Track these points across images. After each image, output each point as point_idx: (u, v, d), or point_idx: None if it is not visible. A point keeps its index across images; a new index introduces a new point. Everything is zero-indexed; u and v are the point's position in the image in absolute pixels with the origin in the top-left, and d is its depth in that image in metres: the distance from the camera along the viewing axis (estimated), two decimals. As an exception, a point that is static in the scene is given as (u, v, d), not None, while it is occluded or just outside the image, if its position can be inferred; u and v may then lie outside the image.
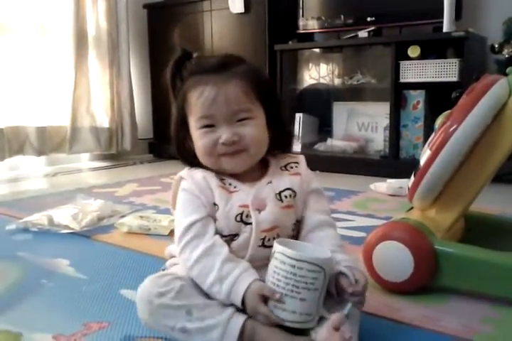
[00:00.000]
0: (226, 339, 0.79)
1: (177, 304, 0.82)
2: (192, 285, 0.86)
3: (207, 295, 0.85)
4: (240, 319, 0.80)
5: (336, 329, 0.75)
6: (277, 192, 0.91)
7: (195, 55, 0.95)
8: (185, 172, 0.95)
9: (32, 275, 1.25)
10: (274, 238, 0.89)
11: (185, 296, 0.83)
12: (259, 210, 0.89)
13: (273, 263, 0.81)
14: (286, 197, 0.92)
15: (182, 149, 0.95)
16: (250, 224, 0.88)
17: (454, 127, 1.10)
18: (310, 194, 0.95)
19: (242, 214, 0.88)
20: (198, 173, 0.92)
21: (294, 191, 0.93)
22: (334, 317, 0.77)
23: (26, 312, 1.04)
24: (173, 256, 0.99)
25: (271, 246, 0.86)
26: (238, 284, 0.81)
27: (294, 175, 0.95)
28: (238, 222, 0.88)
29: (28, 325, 0.98)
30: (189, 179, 0.92)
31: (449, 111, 1.19)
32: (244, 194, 0.90)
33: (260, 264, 0.88)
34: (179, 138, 0.95)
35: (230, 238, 0.89)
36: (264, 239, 0.89)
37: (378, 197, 2.12)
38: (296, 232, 0.94)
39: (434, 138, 1.14)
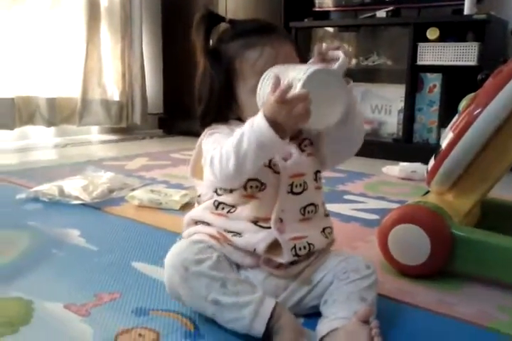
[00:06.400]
0: (257, 318, 0.78)
1: (214, 274, 0.81)
2: (225, 259, 0.86)
3: (235, 270, 0.86)
4: (271, 301, 0.80)
5: (365, 322, 0.74)
6: (298, 143, 0.92)
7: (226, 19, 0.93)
8: (211, 127, 0.92)
9: (43, 245, 1.24)
10: (301, 185, 0.89)
11: (221, 268, 0.82)
12: (285, 159, 0.89)
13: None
14: (306, 146, 0.93)
15: (219, 116, 0.92)
16: (278, 173, 0.88)
17: (478, 110, 1.07)
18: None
19: (270, 161, 0.87)
20: (224, 126, 0.92)
21: (310, 140, 0.93)
22: (362, 311, 0.76)
23: (38, 281, 1.04)
24: (190, 225, 0.96)
25: (299, 193, 0.89)
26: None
27: None
28: (266, 166, 0.87)
29: (39, 293, 0.97)
30: (217, 129, 0.91)
31: (473, 94, 1.16)
32: None
33: (291, 216, 0.88)
34: (220, 105, 0.91)
35: (254, 185, 0.87)
36: (292, 184, 0.89)
37: (390, 181, 2.10)
38: (319, 184, 0.95)
39: (458, 121, 1.12)
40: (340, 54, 0.82)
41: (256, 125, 0.78)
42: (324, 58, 0.84)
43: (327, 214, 0.97)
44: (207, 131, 0.92)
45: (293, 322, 0.79)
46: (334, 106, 0.81)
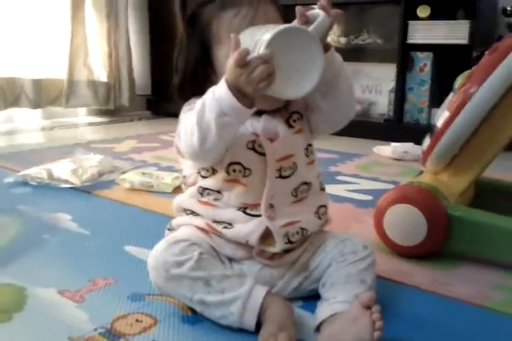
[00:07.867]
0: (246, 313, 0.76)
1: (196, 275, 0.78)
2: (210, 252, 0.83)
3: (226, 263, 0.84)
4: (261, 292, 0.78)
5: (367, 307, 0.72)
6: (285, 118, 0.86)
7: None
8: (190, 102, 0.86)
9: (34, 230, 1.22)
10: (290, 167, 0.85)
11: (204, 266, 0.79)
12: (271, 140, 0.83)
13: None
14: (295, 121, 0.87)
15: (197, 88, 0.84)
16: (263, 155, 0.83)
17: (473, 88, 1.06)
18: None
19: (254, 142, 0.82)
20: None
21: (299, 113, 0.88)
22: (365, 296, 0.74)
23: (30, 267, 1.02)
24: (180, 211, 0.93)
25: (288, 177, 0.85)
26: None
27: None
28: (249, 149, 0.83)
29: (32, 279, 0.96)
30: (194, 104, 0.81)
31: (469, 71, 1.15)
32: (255, 121, 0.84)
33: (282, 200, 0.85)
34: (196, 75, 0.85)
35: (238, 169, 0.83)
36: (280, 169, 0.84)
37: (382, 161, 2.09)
38: (311, 159, 0.89)
39: (453, 99, 1.11)
40: (320, 13, 0.73)
41: (217, 91, 0.73)
42: (308, 21, 0.74)
43: (323, 188, 0.93)
44: (185, 107, 0.86)
45: (279, 313, 0.76)
46: (308, 72, 0.73)
